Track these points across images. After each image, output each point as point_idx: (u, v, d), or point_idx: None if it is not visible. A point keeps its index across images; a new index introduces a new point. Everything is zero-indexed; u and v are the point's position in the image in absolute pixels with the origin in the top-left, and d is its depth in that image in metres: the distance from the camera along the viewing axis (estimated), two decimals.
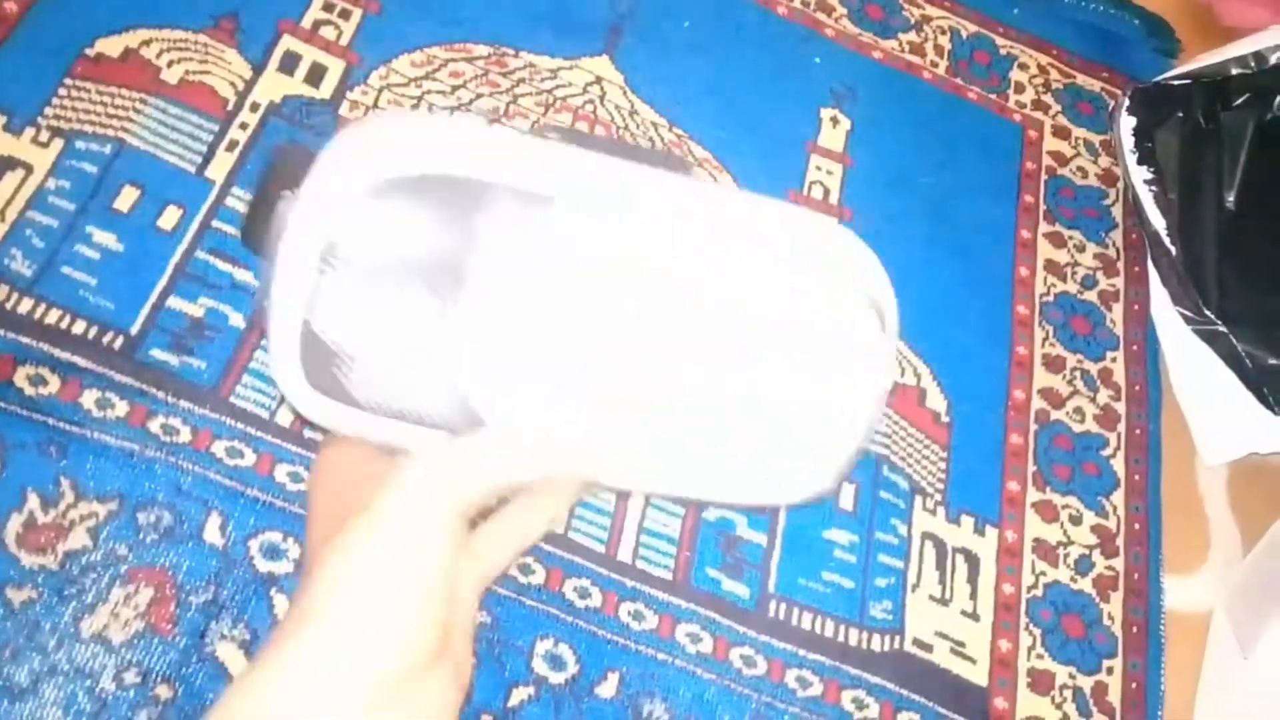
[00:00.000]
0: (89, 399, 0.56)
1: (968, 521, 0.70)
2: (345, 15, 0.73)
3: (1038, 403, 0.76)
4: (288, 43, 0.70)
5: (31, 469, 0.54)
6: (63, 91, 0.64)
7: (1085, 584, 0.71)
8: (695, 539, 0.64)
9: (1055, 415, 0.76)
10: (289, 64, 0.70)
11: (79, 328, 0.58)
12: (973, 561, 0.69)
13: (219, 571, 0.55)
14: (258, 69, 0.69)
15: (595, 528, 0.62)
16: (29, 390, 0.56)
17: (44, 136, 0.62)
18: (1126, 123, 0.82)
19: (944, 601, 0.67)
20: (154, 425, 0.57)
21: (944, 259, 0.79)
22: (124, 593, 0.53)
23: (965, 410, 0.74)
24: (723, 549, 0.64)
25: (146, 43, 0.67)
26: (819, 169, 0.80)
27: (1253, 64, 0.79)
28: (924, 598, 0.67)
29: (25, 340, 0.57)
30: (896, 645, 0.65)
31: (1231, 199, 0.83)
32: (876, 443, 0.70)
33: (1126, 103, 0.82)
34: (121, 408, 0.57)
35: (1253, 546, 0.73)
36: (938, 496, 0.70)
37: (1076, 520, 0.73)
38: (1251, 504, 0.78)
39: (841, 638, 0.64)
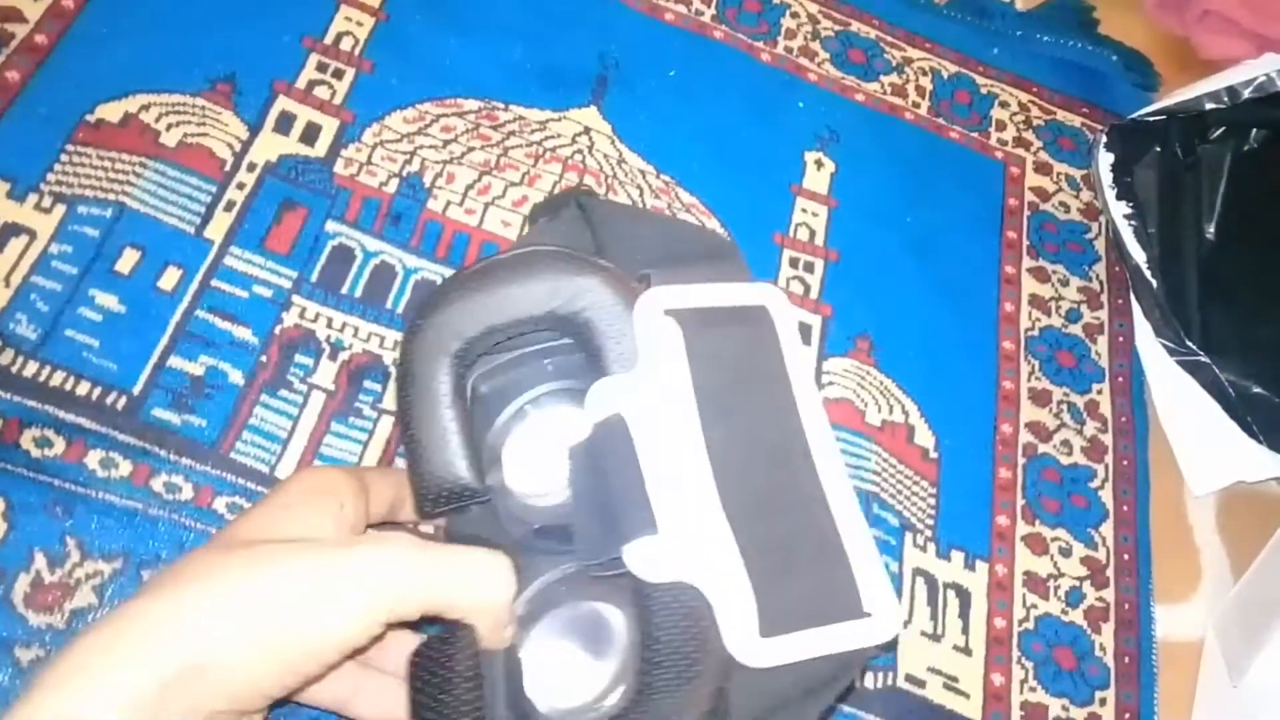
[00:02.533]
0: (93, 459, 0.58)
1: (958, 557, 0.71)
2: (339, 75, 0.75)
3: (1025, 436, 0.78)
4: (283, 103, 0.72)
5: (38, 529, 0.56)
6: (64, 157, 0.66)
7: (1076, 616, 0.72)
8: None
9: (1043, 448, 0.77)
10: (284, 124, 0.72)
11: (83, 389, 0.59)
12: (964, 596, 0.70)
13: None
14: (254, 130, 0.71)
15: None
16: (35, 452, 0.57)
17: (46, 202, 0.64)
18: (1105, 159, 0.83)
19: (936, 637, 0.68)
20: (156, 483, 0.58)
21: (929, 296, 0.81)
22: None
23: (953, 446, 0.75)
24: None
25: (145, 107, 0.69)
26: (804, 211, 0.82)
27: (1226, 99, 0.80)
28: (915, 634, 0.68)
29: (31, 403, 0.58)
30: (889, 682, 0.66)
31: (1211, 230, 0.84)
32: (866, 480, 0.71)
33: (1104, 139, 0.84)
34: (125, 467, 0.58)
35: (1243, 575, 0.74)
36: (928, 532, 0.72)
37: (1066, 552, 0.74)
38: (1241, 533, 0.79)
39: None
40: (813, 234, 0.81)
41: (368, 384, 0.65)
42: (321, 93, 0.74)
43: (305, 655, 0.37)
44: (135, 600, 0.37)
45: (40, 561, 0.55)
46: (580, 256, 0.47)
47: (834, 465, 0.47)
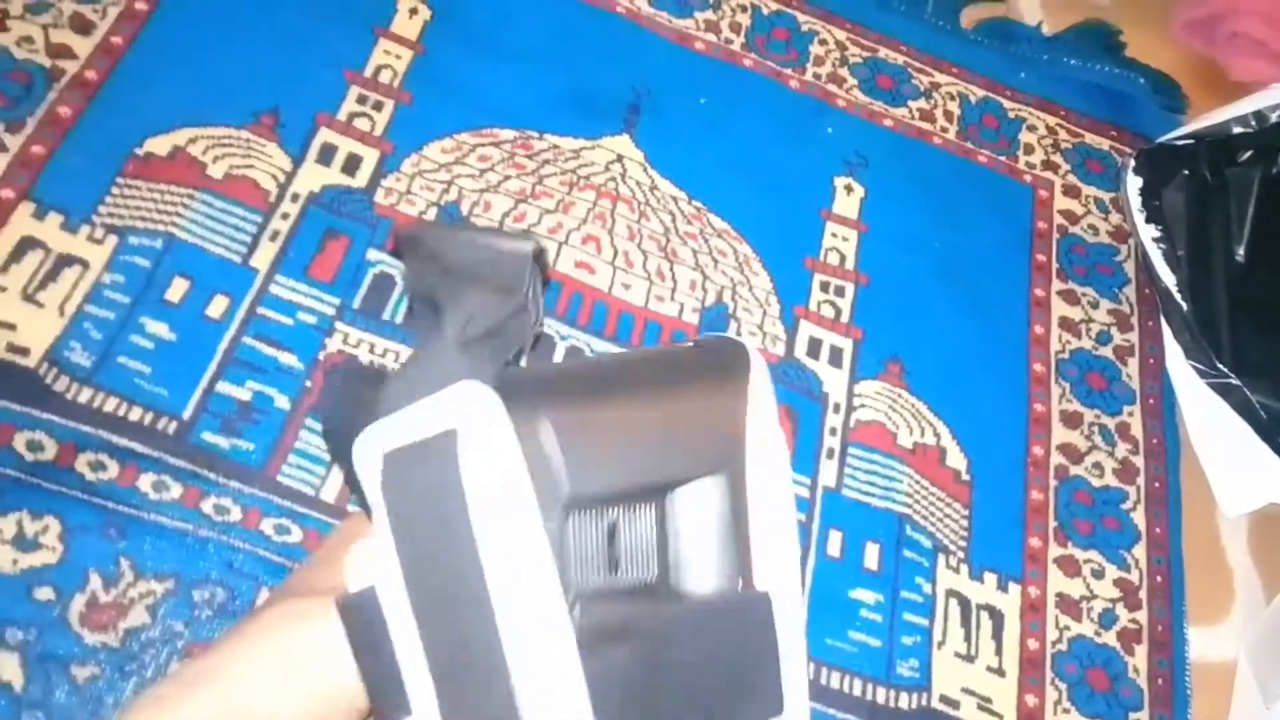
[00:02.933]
0: (145, 482, 0.60)
1: (991, 578, 0.72)
2: (378, 107, 0.77)
3: (1056, 458, 0.78)
4: (325, 135, 0.74)
5: (93, 550, 0.57)
6: (115, 190, 0.68)
7: (1109, 637, 0.72)
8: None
9: (1074, 470, 0.78)
10: (326, 155, 0.74)
11: (135, 415, 0.61)
12: (997, 618, 0.71)
13: None
14: (297, 161, 0.73)
15: None
16: (90, 476, 0.59)
17: (99, 234, 0.66)
18: (1133, 183, 0.84)
19: (969, 658, 0.69)
20: (206, 506, 0.60)
21: (959, 320, 0.82)
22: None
23: (985, 468, 0.76)
24: None
25: (193, 140, 0.71)
26: (834, 236, 0.83)
27: (1253, 123, 0.81)
28: (949, 655, 0.69)
29: (85, 428, 0.60)
30: (924, 703, 0.66)
31: (1241, 252, 0.85)
32: (899, 503, 0.72)
33: (1132, 164, 0.85)
34: (176, 490, 0.60)
35: (1276, 596, 0.74)
36: (960, 554, 0.72)
37: (1099, 574, 0.74)
38: (1274, 554, 0.79)
39: (870, 696, 0.66)
40: (843, 258, 0.82)
41: None
42: (362, 124, 0.76)
43: (331, 704, 0.38)
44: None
45: (95, 582, 0.57)
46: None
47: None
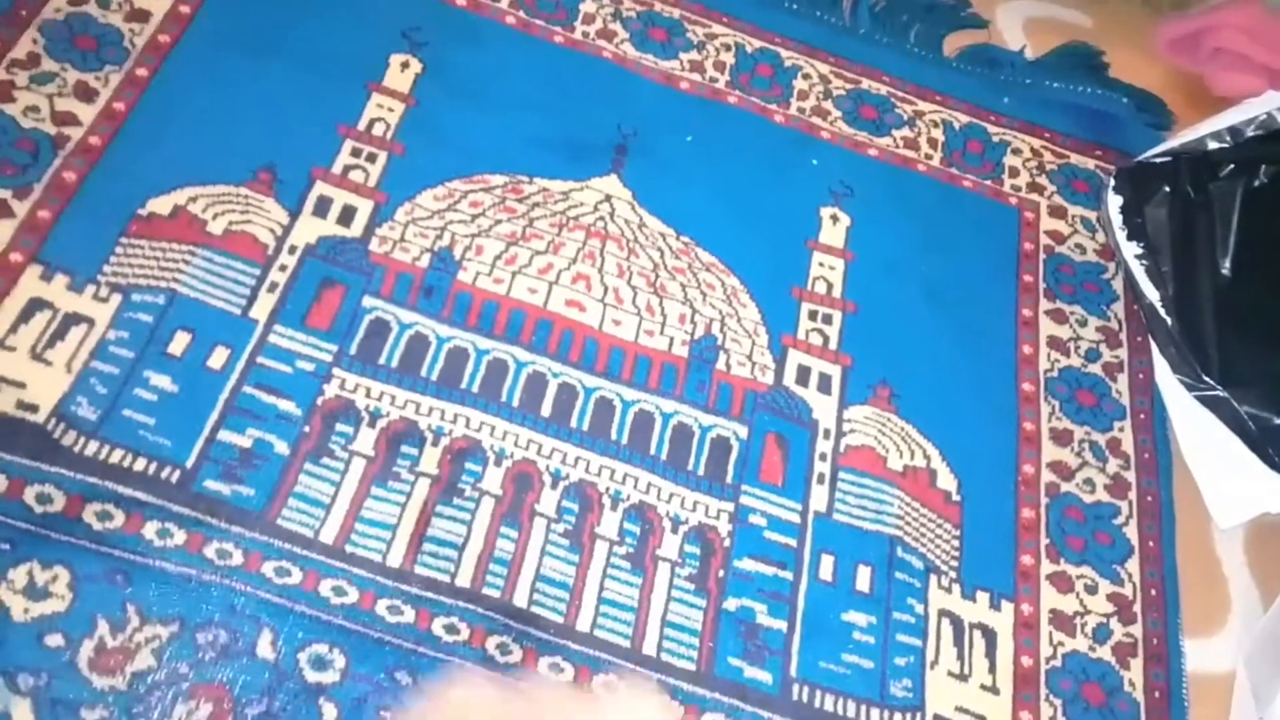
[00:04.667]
0: (150, 530, 0.62)
1: (983, 597, 0.73)
2: (372, 159, 0.79)
3: (1047, 476, 0.79)
4: (320, 188, 0.77)
5: (100, 597, 0.60)
6: (119, 249, 0.71)
7: (1104, 652, 0.73)
8: (716, 629, 0.67)
9: (1065, 487, 0.79)
10: (322, 208, 0.76)
11: (140, 465, 0.64)
12: (990, 636, 0.72)
13: (272, 684, 0.60)
14: (294, 214, 0.75)
15: (618, 623, 0.66)
16: (97, 525, 0.61)
17: (104, 292, 0.69)
18: (1114, 201, 0.85)
19: (963, 677, 0.70)
20: (209, 551, 0.62)
21: (948, 343, 0.83)
22: (186, 709, 0.58)
23: (976, 488, 0.77)
24: (744, 637, 0.68)
25: (193, 199, 0.74)
26: (821, 265, 0.84)
27: (1229, 138, 0.82)
28: (943, 674, 0.70)
29: (92, 480, 0.62)
30: None
31: (1226, 265, 0.86)
32: (890, 525, 0.73)
33: (1112, 182, 0.86)
34: (179, 536, 0.62)
35: (1272, 604, 0.75)
36: (952, 574, 0.73)
37: (1092, 589, 0.75)
38: (1270, 563, 0.79)
39: (864, 718, 0.67)
40: (830, 287, 0.83)
41: (405, 449, 0.69)
42: (356, 176, 0.78)
43: None
44: None
45: (103, 628, 0.59)
46: None
47: None
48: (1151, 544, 0.78)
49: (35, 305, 0.67)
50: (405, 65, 0.85)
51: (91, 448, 0.64)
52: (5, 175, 0.70)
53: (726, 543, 0.71)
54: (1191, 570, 0.77)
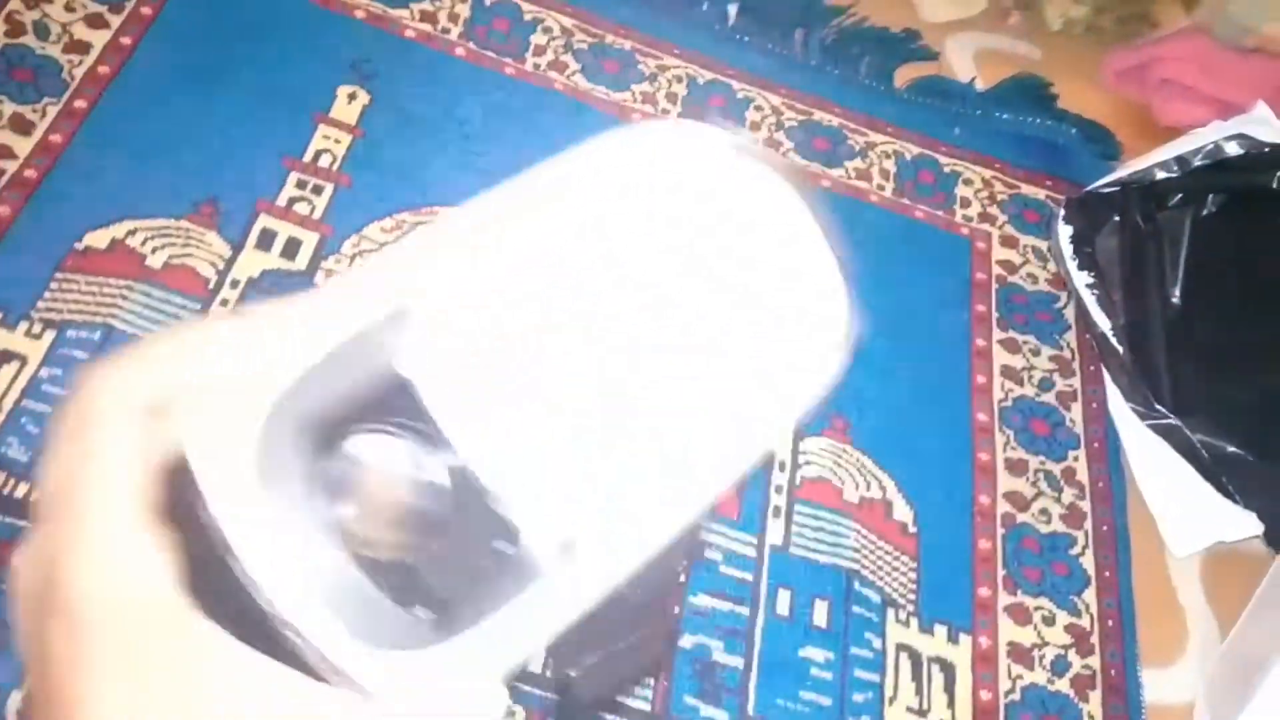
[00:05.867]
0: None
1: (941, 630, 0.72)
2: (318, 191, 0.78)
3: (1003, 506, 0.79)
4: (264, 221, 0.76)
5: None
6: (54, 285, 0.69)
7: (1063, 684, 0.72)
8: (671, 666, 0.66)
9: (1021, 518, 0.78)
10: (266, 240, 0.75)
11: None
12: (948, 670, 0.71)
13: None
14: (236, 248, 0.74)
15: None
16: None
17: (37, 329, 0.67)
18: (1064, 231, 0.86)
19: (922, 713, 0.69)
20: None
21: (902, 373, 0.83)
22: None
23: (932, 519, 0.76)
24: (699, 676, 0.66)
25: (132, 232, 0.72)
26: None
27: (1176, 168, 0.83)
28: (901, 710, 0.69)
29: (23, 524, 0.60)
30: None
31: (1176, 294, 0.86)
32: (847, 558, 0.73)
33: (1062, 212, 0.87)
34: None
35: (1229, 633, 0.74)
36: (910, 607, 0.72)
37: (1050, 621, 0.74)
38: (1226, 592, 0.79)
39: None
40: None
41: None
42: (301, 209, 0.77)
43: None
44: None
45: None
46: None
47: None
48: (1108, 574, 0.77)
49: None
50: (353, 96, 0.84)
51: (22, 489, 0.61)
52: None
53: (681, 579, 0.70)
54: (1148, 600, 0.77)
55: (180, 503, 0.24)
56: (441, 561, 0.27)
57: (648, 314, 0.27)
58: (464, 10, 0.90)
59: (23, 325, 0.67)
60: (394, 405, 0.25)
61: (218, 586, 0.24)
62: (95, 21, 0.79)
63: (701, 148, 0.28)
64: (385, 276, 0.26)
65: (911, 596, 0.73)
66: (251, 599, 0.23)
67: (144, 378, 0.25)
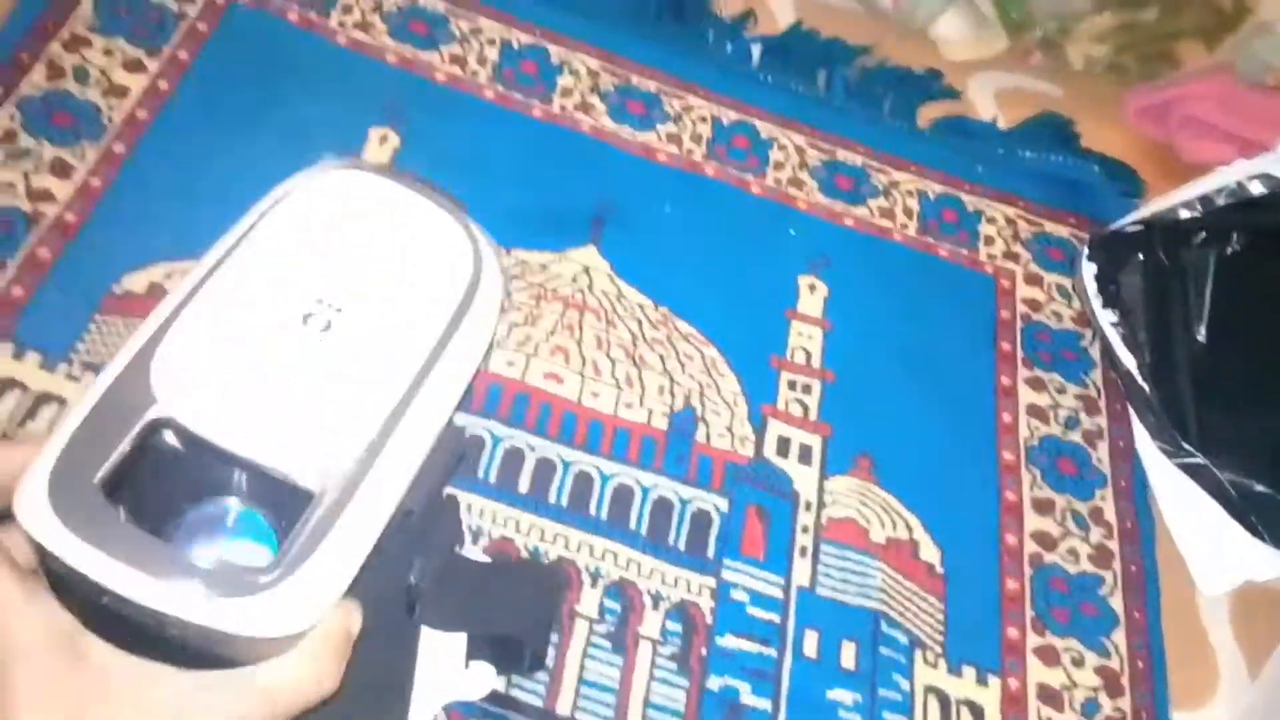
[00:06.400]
0: None
1: (969, 672, 0.72)
2: None
3: (1031, 546, 0.78)
4: None
5: None
6: (92, 327, 0.70)
7: None
8: (699, 710, 0.66)
9: (1049, 558, 0.78)
10: None
11: None
12: (977, 712, 0.71)
13: None
14: None
15: (599, 705, 0.65)
16: None
17: (77, 371, 0.68)
18: (1088, 269, 0.86)
19: None
20: None
21: (927, 412, 0.83)
22: None
23: (959, 560, 0.76)
24: (728, 718, 0.66)
25: (169, 275, 0.73)
26: (800, 334, 0.84)
27: (1200, 207, 0.83)
28: None
29: None
30: None
31: (1203, 333, 0.86)
32: (874, 599, 0.73)
33: (1086, 251, 0.87)
34: None
35: (1260, 674, 0.74)
36: (938, 648, 0.72)
37: (1079, 663, 0.74)
38: (1257, 633, 0.79)
39: None
40: (809, 356, 0.83)
41: None
42: None
43: None
44: None
45: None
46: None
47: None
48: (1137, 615, 0.77)
49: (5, 385, 0.66)
50: (384, 138, 0.85)
51: None
52: None
53: (709, 619, 0.70)
54: (1178, 641, 0.77)
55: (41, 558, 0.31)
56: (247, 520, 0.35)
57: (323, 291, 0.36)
58: (493, 54, 0.92)
59: (62, 367, 0.68)
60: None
61: (92, 605, 0.30)
62: (133, 66, 0.81)
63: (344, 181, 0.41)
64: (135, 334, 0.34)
65: (939, 638, 0.73)
66: (122, 601, 0.29)
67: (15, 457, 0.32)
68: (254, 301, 0.35)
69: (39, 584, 0.32)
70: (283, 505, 0.33)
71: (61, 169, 0.75)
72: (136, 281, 0.72)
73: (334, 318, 0.35)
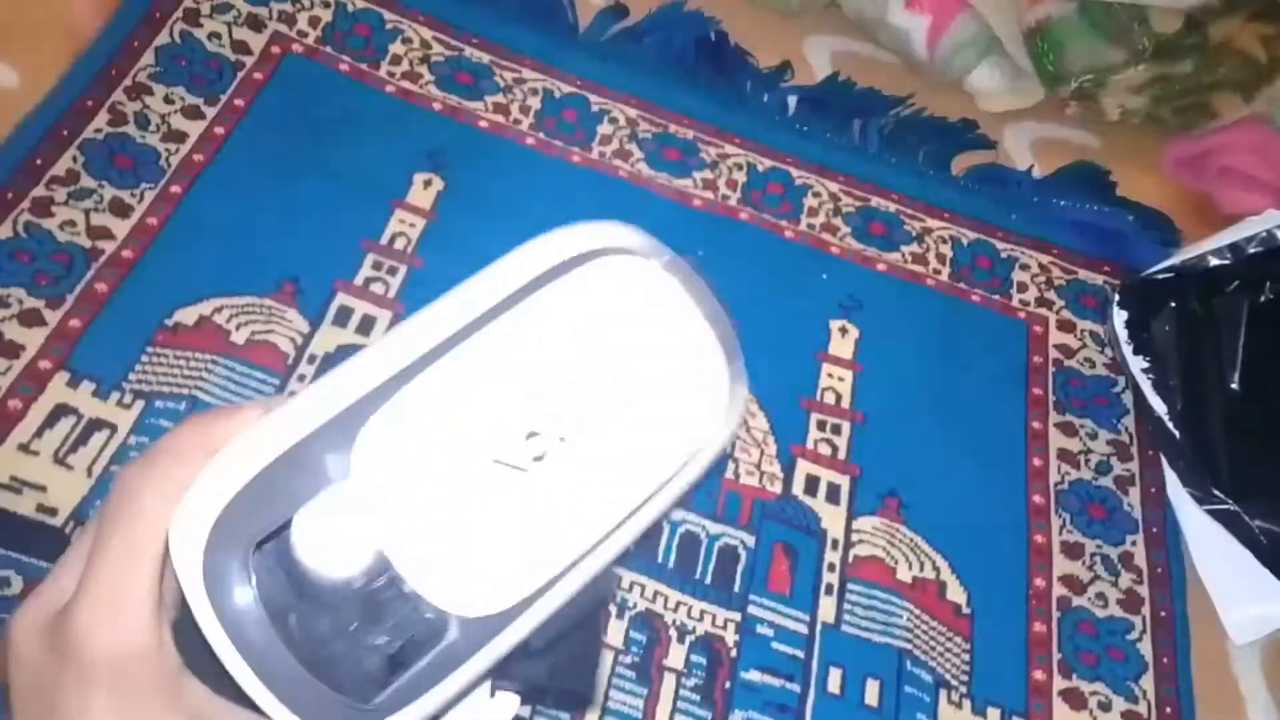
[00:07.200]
0: None
1: (994, 713, 0.72)
2: (392, 272, 0.82)
3: (1059, 589, 0.79)
4: (342, 299, 0.80)
5: None
6: (145, 358, 0.73)
7: None
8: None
9: (1077, 601, 0.78)
10: (342, 317, 0.79)
11: None
12: None
13: None
14: (315, 324, 0.78)
15: None
16: None
17: (128, 399, 0.71)
18: (1119, 316, 0.87)
19: None
20: None
21: (957, 455, 0.83)
22: None
23: (986, 601, 0.77)
24: None
25: (219, 310, 0.76)
26: (831, 376, 0.86)
27: (1229, 255, 0.83)
28: None
29: None
30: None
31: (1235, 380, 0.86)
32: (899, 638, 0.73)
33: (1117, 298, 0.87)
34: None
35: None
36: (963, 689, 0.72)
37: (1106, 707, 0.74)
38: None
39: None
40: (839, 397, 0.85)
41: None
42: (377, 288, 0.81)
43: None
44: None
45: None
46: None
47: None
48: (1166, 660, 0.77)
49: (60, 411, 0.69)
50: (428, 183, 0.88)
51: None
52: (40, 286, 0.74)
53: (733, 653, 0.71)
54: (1208, 688, 0.76)
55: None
56: (369, 648, 0.31)
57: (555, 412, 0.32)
58: (535, 103, 0.95)
59: (114, 395, 0.71)
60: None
61: (200, 652, 0.29)
62: (191, 113, 0.85)
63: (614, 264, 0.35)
64: (330, 390, 0.30)
65: (965, 678, 0.73)
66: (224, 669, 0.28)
67: (181, 472, 0.30)
68: (483, 401, 0.31)
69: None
70: (407, 621, 0.31)
71: (120, 208, 0.79)
72: (188, 315, 0.76)
73: (552, 448, 0.31)
